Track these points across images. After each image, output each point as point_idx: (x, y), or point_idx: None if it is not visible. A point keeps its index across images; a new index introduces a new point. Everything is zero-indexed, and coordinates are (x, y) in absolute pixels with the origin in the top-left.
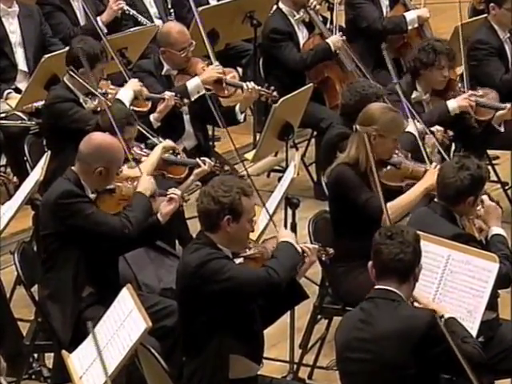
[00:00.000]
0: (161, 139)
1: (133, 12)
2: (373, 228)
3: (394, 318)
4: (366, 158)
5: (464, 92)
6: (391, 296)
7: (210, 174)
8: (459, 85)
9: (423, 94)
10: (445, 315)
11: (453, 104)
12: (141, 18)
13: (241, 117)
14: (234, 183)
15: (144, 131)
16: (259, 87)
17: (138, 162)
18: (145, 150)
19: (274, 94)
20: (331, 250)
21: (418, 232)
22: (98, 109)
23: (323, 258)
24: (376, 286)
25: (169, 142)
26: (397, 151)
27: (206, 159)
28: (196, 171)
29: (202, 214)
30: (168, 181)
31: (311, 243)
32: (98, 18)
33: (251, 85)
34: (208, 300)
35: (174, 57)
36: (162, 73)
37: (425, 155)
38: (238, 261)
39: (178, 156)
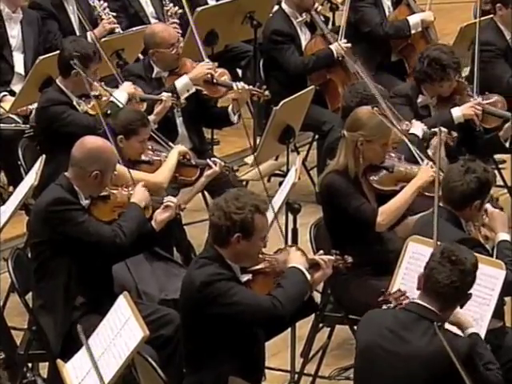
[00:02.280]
0: (171, 144)
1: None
2: (369, 235)
3: (431, 342)
4: (354, 165)
5: (472, 97)
6: (433, 317)
7: (220, 175)
8: (468, 89)
9: (429, 98)
10: (469, 329)
11: (457, 112)
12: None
13: (234, 118)
14: (249, 200)
15: (154, 135)
16: (250, 86)
17: (150, 164)
18: (157, 152)
19: (266, 93)
20: (350, 259)
21: (421, 237)
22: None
23: (341, 267)
24: (417, 300)
25: (183, 148)
26: (392, 154)
27: (217, 160)
28: (207, 173)
29: (212, 227)
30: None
31: (331, 251)
32: (88, 34)
33: (241, 84)
34: (209, 321)
35: (164, 56)
36: (153, 75)
37: (417, 157)
38: (246, 277)
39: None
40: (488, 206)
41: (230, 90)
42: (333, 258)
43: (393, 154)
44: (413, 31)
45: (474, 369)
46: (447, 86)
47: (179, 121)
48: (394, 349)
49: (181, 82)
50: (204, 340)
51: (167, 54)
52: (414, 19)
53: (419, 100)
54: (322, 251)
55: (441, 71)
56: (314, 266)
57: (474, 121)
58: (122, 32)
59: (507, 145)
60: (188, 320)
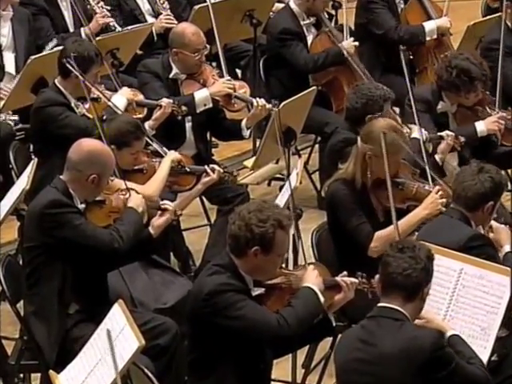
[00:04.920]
0: (165, 149)
1: (119, 29)
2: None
3: (397, 339)
4: (361, 176)
5: (494, 110)
6: (395, 315)
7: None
8: (491, 102)
9: (450, 105)
10: (447, 333)
11: (481, 126)
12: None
13: (246, 133)
14: (272, 213)
15: (149, 140)
16: (269, 105)
17: (143, 173)
18: (154, 160)
19: None
20: (376, 283)
21: (429, 244)
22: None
23: (366, 291)
24: (379, 304)
25: (176, 155)
26: (407, 168)
27: (216, 167)
28: (203, 180)
29: (231, 236)
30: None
31: (356, 273)
32: (82, 30)
33: (261, 102)
34: (214, 330)
35: (187, 59)
36: (170, 76)
37: (428, 170)
38: (258, 290)
39: (184, 168)
40: (493, 222)
41: (249, 105)
42: (356, 281)
43: (407, 169)
44: (428, 38)
45: (448, 359)
46: (473, 97)
47: (188, 126)
48: (365, 357)
49: (200, 95)
50: (209, 349)
51: (190, 58)
52: (429, 25)
53: (439, 106)
54: (345, 272)
55: (469, 83)
56: (335, 287)
57: (497, 135)
58: (118, 28)
59: None
60: (194, 327)
